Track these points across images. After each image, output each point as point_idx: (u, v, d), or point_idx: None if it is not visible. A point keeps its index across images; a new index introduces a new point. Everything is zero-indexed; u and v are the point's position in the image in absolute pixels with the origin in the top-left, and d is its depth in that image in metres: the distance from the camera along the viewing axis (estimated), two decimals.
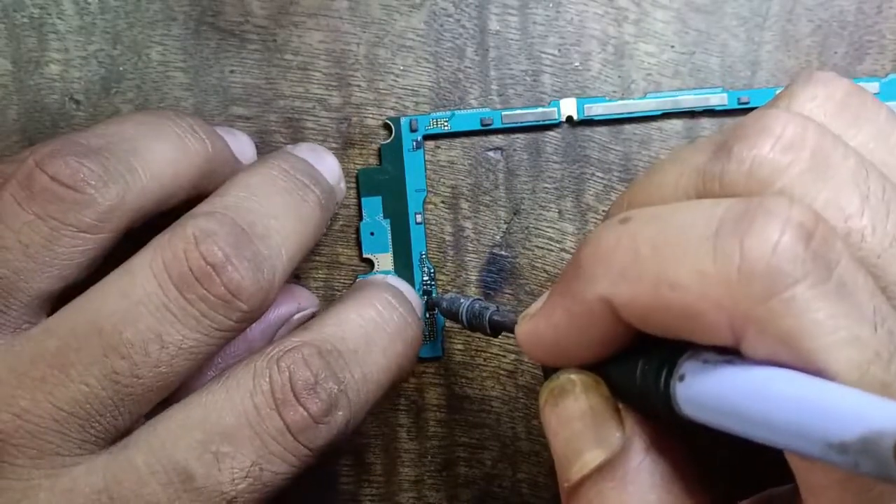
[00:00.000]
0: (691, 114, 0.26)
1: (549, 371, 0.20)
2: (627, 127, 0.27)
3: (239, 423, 0.20)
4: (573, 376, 0.18)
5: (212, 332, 0.20)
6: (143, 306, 0.20)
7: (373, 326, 0.23)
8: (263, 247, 0.21)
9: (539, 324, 0.18)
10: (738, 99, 0.26)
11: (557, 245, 0.27)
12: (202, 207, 0.21)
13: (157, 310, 0.20)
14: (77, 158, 0.20)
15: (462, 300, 0.25)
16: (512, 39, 0.26)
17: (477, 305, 0.24)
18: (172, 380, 0.20)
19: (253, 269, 0.20)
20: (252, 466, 0.20)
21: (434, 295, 0.26)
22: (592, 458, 0.17)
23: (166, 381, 0.20)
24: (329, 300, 0.27)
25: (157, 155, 0.21)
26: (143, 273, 0.20)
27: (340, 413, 0.21)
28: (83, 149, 0.20)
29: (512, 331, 0.21)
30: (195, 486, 0.19)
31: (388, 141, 0.26)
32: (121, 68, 0.26)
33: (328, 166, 0.25)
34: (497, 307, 0.24)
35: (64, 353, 0.19)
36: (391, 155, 0.26)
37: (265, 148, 0.26)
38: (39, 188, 0.20)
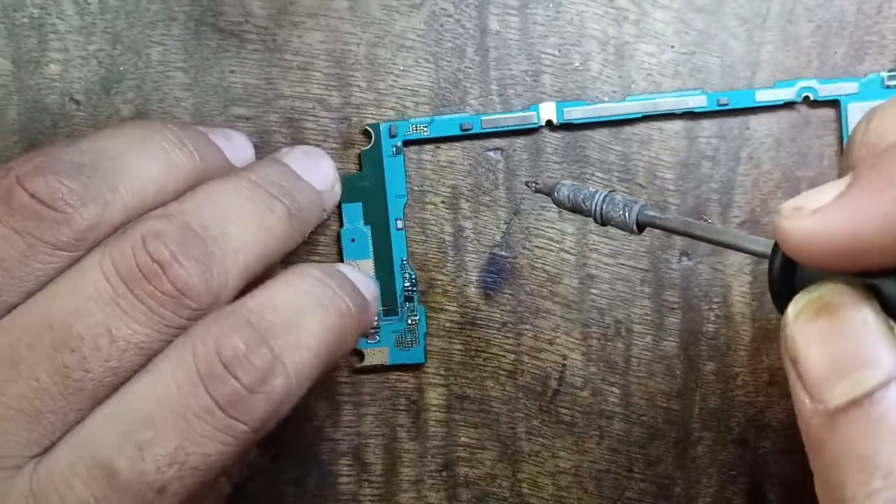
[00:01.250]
0: (688, 114, 0.26)
1: (782, 286, 0.18)
2: (627, 127, 0.27)
3: (160, 407, 0.19)
4: (843, 286, 0.16)
5: (162, 327, 0.20)
6: (92, 301, 0.19)
7: (304, 296, 0.21)
8: (216, 248, 0.21)
9: (835, 220, 0.16)
10: (718, 101, 0.26)
11: (557, 245, 0.27)
12: (157, 211, 0.21)
13: (106, 305, 0.19)
14: (57, 177, 0.20)
15: (590, 190, 0.22)
16: (512, 39, 0.26)
17: (618, 198, 0.22)
18: (123, 374, 0.20)
19: (201, 268, 0.20)
20: (176, 451, 0.19)
21: (539, 183, 0.24)
22: (866, 379, 0.15)
23: (116, 375, 0.20)
24: None
25: (142, 172, 0.21)
26: (92, 271, 0.20)
27: (279, 381, 0.20)
28: (65, 166, 0.20)
29: (672, 231, 0.20)
30: (120, 480, 0.19)
31: (368, 147, 0.26)
32: (121, 68, 0.26)
33: (321, 171, 0.25)
34: (644, 203, 0.22)
35: (15, 350, 0.19)
36: (371, 161, 0.26)
37: (265, 148, 0.26)
38: (18, 204, 0.20)
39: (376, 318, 0.27)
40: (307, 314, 0.21)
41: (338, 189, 0.26)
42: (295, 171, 0.24)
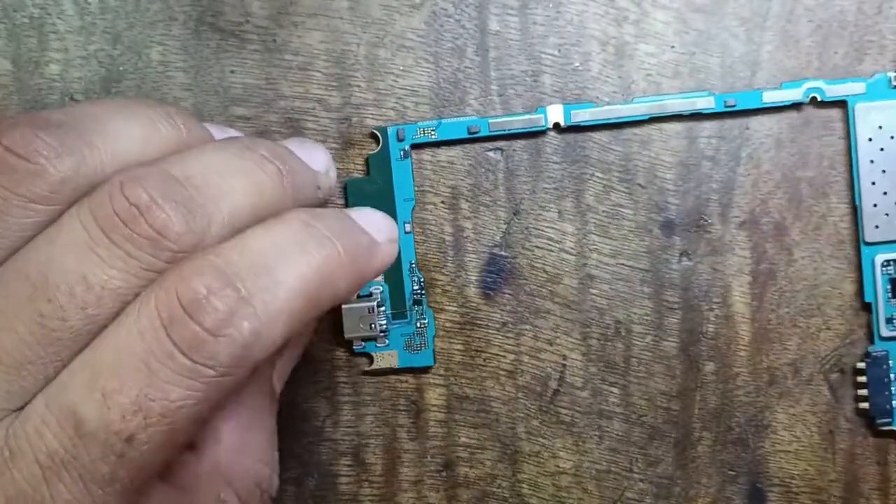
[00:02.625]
0: (681, 117, 0.26)
1: None
2: (628, 127, 0.27)
3: (124, 354, 0.19)
4: None
5: (139, 272, 0.19)
6: (68, 250, 0.19)
7: (282, 238, 0.20)
8: (198, 195, 0.20)
9: None
10: (725, 102, 0.26)
11: (557, 245, 0.27)
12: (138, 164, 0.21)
13: (81, 252, 0.19)
14: (33, 130, 0.20)
15: None
16: (512, 40, 0.26)
17: None
18: (102, 323, 0.19)
19: (182, 211, 0.19)
20: (139, 398, 0.18)
21: None
22: None
23: (95, 324, 0.19)
24: None
25: (122, 133, 0.21)
26: (69, 221, 0.19)
27: (246, 323, 0.19)
28: (43, 122, 0.20)
29: None
30: (87, 429, 0.18)
31: (376, 151, 0.26)
32: (121, 68, 0.26)
33: (316, 157, 0.24)
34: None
35: None
36: (379, 165, 0.26)
37: None
38: None
39: (382, 309, 0.27)
40: (283, 256, 0.20)
41: (333, 175, 0.25)
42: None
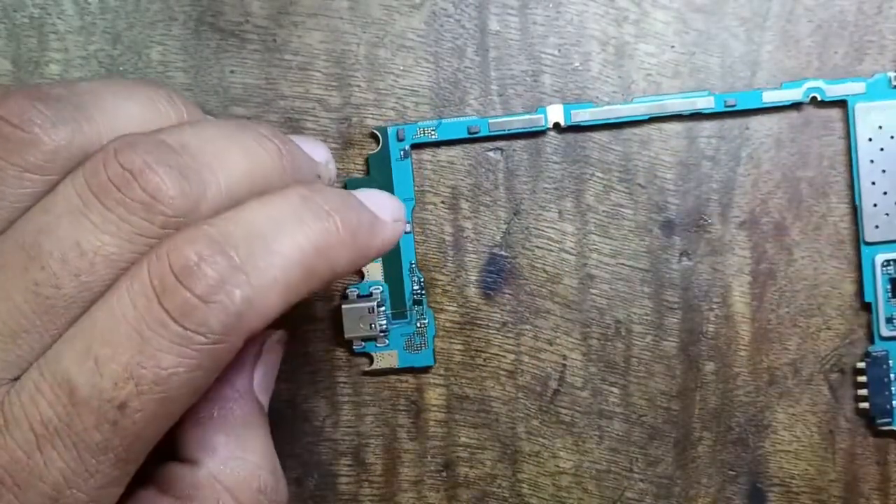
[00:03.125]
0: (681, 117, 0.26)
1: None
2: (628, 127, 0.27)
3: (117, 321, 0.19)
4: None
5: (133, 237, 0.19)
6: (62, 217, 0.19)
7: (279, 211, 0.20)
8: (193, 161, 0.20)
9: None
10: (725, 102, 0.26)
11: (557, 245, 0.27)
12: None
13: (75, 218, 0.19)
14: (30, 101, 0.20)
15: None
16: (512, 40, 0.26)
17: None
18: (97, 291, 0.19)
19: (176, 175, 0.19)
20: (131, 365, 0.18)
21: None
22: None
23: (90, 291, 0.19)
24: (327, 300, 0.27)
25: (120, 111, 0.21)
26: (64, 190, 0.19)
27: (238, 291, 0.19)
28: (41, 94, 0.20)
29: None
30: (80, 397, 0.18)
31: (376, 151, 0.26)
32: (121, 68, 0.26)
33: (317, 150, 0.24)
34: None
35: None
36: (379, 165, 0.26)
37: None
38: None
39: (382, 309, 0.27)
40: (280, 228, 0.20)
41: (332, 168, 0.25)
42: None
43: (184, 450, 0.23)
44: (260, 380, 0.25)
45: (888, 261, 0.26)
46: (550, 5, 0.26)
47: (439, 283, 0.27)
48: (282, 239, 0.20)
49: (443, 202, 0.27)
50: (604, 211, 0.27)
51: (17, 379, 0.19)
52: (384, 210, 0.22)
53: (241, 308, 0.19)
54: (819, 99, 0.26)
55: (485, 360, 0.27)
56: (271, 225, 0.20)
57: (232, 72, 0.26)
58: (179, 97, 0.22)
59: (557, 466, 0.27)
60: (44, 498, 0.18)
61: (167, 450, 0.22)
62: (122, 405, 0.18)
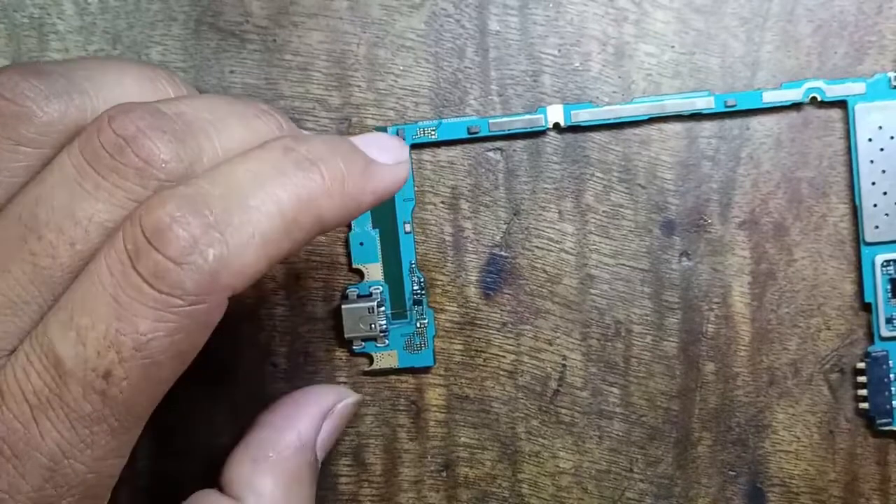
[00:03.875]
0: (681, 117, 0.26)
1: None
2: (628, 128, 0.27)
3: (95, 290, 0.18)
4: None
5: (126, 203, 0.19)
6: (57, 187, 0.19)
7: (256, 164, 0.20)
8: (188, 128, 0.20)
9: None
10: (725, 102, 0.26)
11: (557, 245, 0.27)
12: None
13: (69, 187, 0.19)
14: (24, 76, 0.20)
15: None
16: (512, 40, 0.26)
17: None
18: (91, 256, 0.19)
19: (172, 140, 0.19)
20: (110, 332, 0.18)
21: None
22: None
23: (85, 259, 0.19)
24: (329, 300, 0.27)
25: (115, 87, 0.21)
26: (59, 160, 0.19)
27: (211, 250, 0.18)
28: (34, 69, 0.20)
29: None
30: (66, 367, 0.18)
31: None
32: None
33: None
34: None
35: None
36: None
37: None
38: None
39: (382, 309, 0.27)
40: (258, 182, 0.19)
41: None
42: None
43: (230, 484, 0.23)
44: (324, 436, 0.25)
45: (888, 261, 0.26)
46: (550, 5, 0.26)
47: (439, 283, 0.27)
48: (259, 193, 0.19)
49: (443, 202, 0.27)
50: (604, 211, 0.27)
51: (14, 350, 0.19)
52: (383, 153, 0.21)
53: (216, 266, 0.18)
54: (819, 99, 0.26)
55: (485, 360, 0.27)
56: (249, 179, 0.19)
57: (232, 72, 0.26)
58: (179, 78, 0.22)
59: (557, 466, 0.27)
60: (42, 469, 0.18)
61: (215, 477, 0.22)
62: (106, 374, 0.18)
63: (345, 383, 0.27)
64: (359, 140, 0.22)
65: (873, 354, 0.26)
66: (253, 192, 0.19)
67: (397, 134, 0.26)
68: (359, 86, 0.26)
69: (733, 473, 0.27)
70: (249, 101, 0.22)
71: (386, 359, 0.27)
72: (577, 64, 0.26)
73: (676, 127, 0.27)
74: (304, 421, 0.25)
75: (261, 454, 0.24)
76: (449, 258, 0.27)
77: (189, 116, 0.20)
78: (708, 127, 0.26)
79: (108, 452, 0.19)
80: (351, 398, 0.26)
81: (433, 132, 0.26)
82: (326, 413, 0.25)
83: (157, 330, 0.18)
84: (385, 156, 0.21)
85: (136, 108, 0.19)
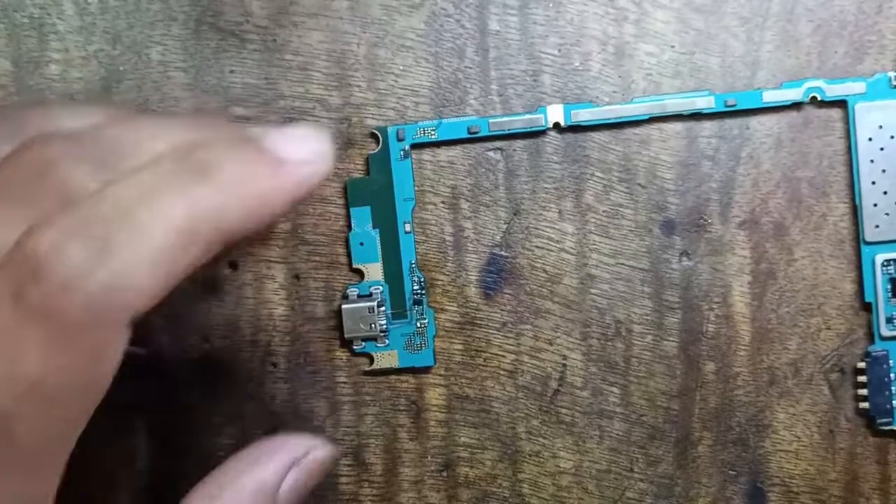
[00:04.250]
0: (681, 116, 0.26)
1: None
2: (628, 127, 0.27)
3: None
4: None
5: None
6: None
7: (153, 176, 0.19)
8: (109, 152, 0.19)
9: None
10: (725, 102, 0.26)
11: (557, 245, 0.27)
12: None
13: None
14: None
15: None
16: (512, 40, 0.26)
17: None
18: None
19: (86, 164, 0.18)
20: (1, 371, 0.17)
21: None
22: None
23: None
24: (329, 300, 0.27)
25: (49, 118, 0.20)
26: None
27: (97, 275, 0.17)
28: None
29: None
30: None
31: (376, 151, 0.26)
32: (121, 68, 0.26)
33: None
34: None
35: None
36: (379, 165, 0.26)
37: None
38: None
39: (382, 309, 0.26)
40: (146, 198, 0.18)
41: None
42: None
43: None
44: (288, 486, 0.23)
45: (888, 261, 0.26)
46: (550, 5, 0.26)
47: (439, 282, 0.27)
48: (148, 208, 0.18)
49: (443, 202, 0.27)
50: (604, 211, 0.27)
51: None
52: (296, 148, 0.20)
53: (101, 292, 0.17)
54: (819, 99, 0.26)
55: (485, 360, 0.27)
56: (137, 195, 0.18)
57: (232, 72, 0.26)
58: (124, 107, 0.22)
59: (558, 466, 0.27)
60: None
61: None
62: (4, 416, 0.17)
63: (345, 382, 0.27)
64: (270, 136, 0.20)
65: (873, 354, 0.26)
66: (141, 208, 0.18)
67: (397, 134, 0.26)
68: (359, 86, 0.26)
69: (734, 473, 0.27)
70: (180, 117, 0.21)
71: (386, 359, 0.27)
72: (577, 64, 0.26)
73: (676, 126, 0.27)
74: (267, 467, 0.23)
75: (217, 493, 0.23)
76: (449, 258, 0.27)
77: (111, 141, 0.19)
78: (708, 126, 0.27)
79: (30, 499, 0.18)
80: (320, 452, 0.23)
81: (433, 132, 0.26)
82: (293, 462, 0.23)
83: (49, 366, 0.17)
84: (298, 151, 0.20)
85: (55, 134, 0.18)
